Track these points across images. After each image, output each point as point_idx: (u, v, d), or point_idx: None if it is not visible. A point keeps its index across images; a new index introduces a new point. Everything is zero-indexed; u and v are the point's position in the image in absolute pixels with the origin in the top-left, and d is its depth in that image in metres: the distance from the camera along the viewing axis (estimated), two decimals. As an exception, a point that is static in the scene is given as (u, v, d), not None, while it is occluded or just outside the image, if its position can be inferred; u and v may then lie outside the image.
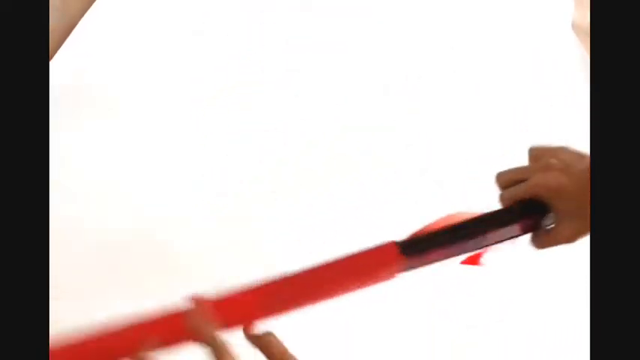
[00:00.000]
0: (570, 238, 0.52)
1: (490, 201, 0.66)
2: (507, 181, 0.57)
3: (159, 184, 0.84)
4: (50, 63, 0.97)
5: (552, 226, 0.53)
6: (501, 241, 0.54)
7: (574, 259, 0.68)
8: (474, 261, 0.57)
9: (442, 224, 0.54)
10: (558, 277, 0.77)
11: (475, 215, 0.55)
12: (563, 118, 1.01)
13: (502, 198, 0.57)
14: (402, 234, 0.79)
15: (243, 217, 0.80)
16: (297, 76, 1.02)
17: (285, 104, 0.97)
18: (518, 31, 1.17)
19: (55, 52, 0.99)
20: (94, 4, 1.08)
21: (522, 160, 0.93)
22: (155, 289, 0.74)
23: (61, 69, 0.97)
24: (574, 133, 0.96)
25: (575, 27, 1.19)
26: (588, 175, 0.47)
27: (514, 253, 0.58)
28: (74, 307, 0.70)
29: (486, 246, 0.54)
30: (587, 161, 0.51)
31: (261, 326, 0.47)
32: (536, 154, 0.56)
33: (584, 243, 0.48)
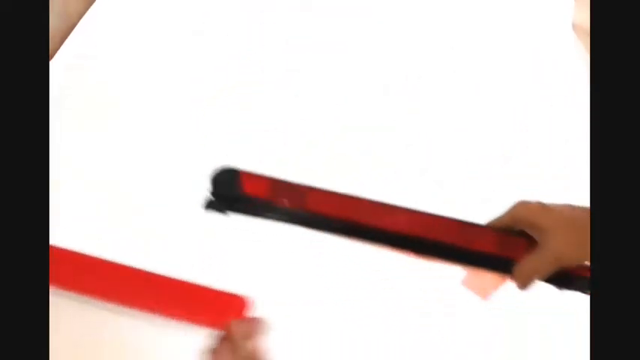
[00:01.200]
0: (562, 251, 0.50)
1: (489, 201, 0.66)
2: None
3: (159, 184, 0.84)
4: (50, 63, 0.97)
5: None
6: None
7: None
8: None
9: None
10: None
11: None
12: (563, 118, 1.01)
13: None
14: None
15: (243, 218, 0.80)
16: (297, 76, 1.02)
17: (285, 104, 0.97)
18: (518, 31, 1.17)
19: (55, 52, 0.99)
20: (94, 5, 1.08)
21: (521, 161, 0.93)
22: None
23: (61, 69, 0.97)
24: (574, 133, 0.96)
25: (575, 27, 1.19)
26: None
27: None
28: (74, 304, 0.70)
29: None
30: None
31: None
32: None
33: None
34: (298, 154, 0.90)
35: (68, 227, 0.78)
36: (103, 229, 0.79)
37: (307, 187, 0.55)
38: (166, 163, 0.87)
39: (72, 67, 0.98)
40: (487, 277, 0.55)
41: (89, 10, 1.07)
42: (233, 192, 0.53)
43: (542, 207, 0.52)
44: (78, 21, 1.05)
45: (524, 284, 0.51)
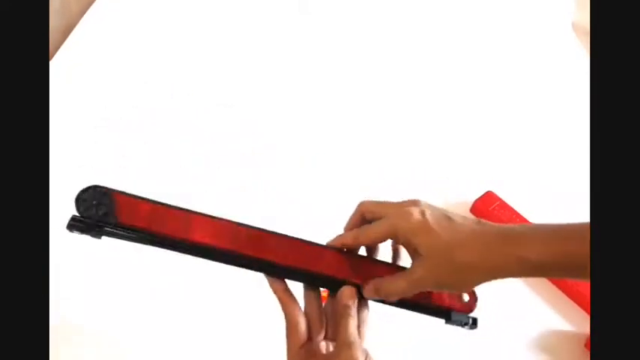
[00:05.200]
0: (426, 277, 0.46)
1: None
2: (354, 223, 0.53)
3: (158, 184, 0.84)
4: (50, 63, 0.97)
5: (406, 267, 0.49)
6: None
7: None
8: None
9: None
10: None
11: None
12: (563, 118, 1.01)
13: (356, 239, 0.51)
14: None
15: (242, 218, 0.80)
16: (296, 78, 1.02)
17: (285, 105, 0.97)
18: (518, 31, 1.17)
19: (55, 52, 0.99)
20: (94, 5, 1.08)
21: (521, 160, 0.92)
22: (153, 287, 0.74)
23: (61, 69, 0.97)
24: (574, 132, 0.96)
25: (575, 27, 1.20)
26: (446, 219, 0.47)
27: None
28: (74, 305, 0.71)
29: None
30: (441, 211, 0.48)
31: None
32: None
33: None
34: (297, 153, 0.90)
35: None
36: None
37: (190, 213, 0.50)
38: (165, 162, 0.87)
39: (72, 67, 0.98)
40: None
41: (89, 10, 1.07)
42: (104, 217, 0.48)
43: (423, 226, 0.46)
44: (78, 21, 1.05)
45: (374, 297, 0.49)
